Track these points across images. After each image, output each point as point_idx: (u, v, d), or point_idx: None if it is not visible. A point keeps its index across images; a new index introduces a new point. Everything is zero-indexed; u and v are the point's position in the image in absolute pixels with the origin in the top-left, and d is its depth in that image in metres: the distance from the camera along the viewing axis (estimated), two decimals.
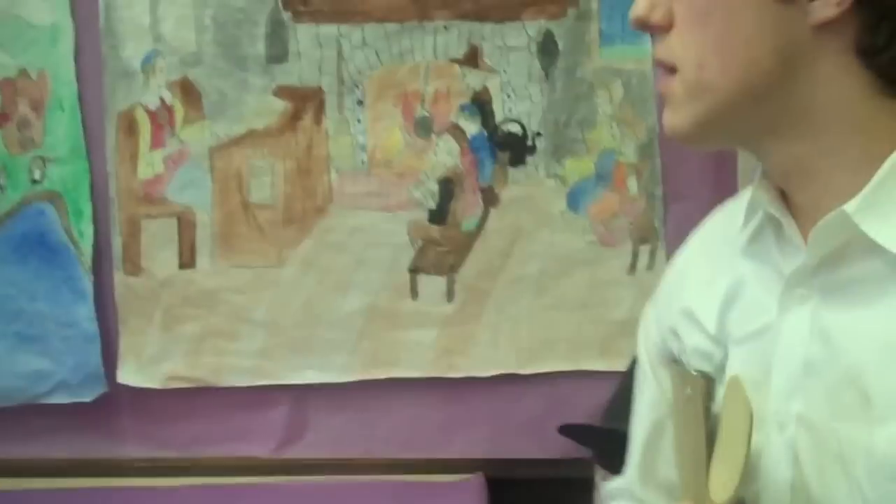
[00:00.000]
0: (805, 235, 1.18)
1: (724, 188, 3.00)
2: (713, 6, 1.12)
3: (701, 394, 1.25)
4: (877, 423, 1.08)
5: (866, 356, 1.09)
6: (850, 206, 1.10)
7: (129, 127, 3.07)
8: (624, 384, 2.93)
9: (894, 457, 1.07)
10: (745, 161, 2.77)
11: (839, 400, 1.12)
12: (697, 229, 1.52)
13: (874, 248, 1.09)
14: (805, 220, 1.18)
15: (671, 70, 1.18)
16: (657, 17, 1.17)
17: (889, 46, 1.09)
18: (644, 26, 1.19)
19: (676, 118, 1.19)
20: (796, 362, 1.16)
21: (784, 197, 1.22)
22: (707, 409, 1.25)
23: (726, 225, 1.35)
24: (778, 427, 1.18)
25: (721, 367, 1.28)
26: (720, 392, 1.26)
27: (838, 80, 1.11)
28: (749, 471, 1.18)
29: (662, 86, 1.20)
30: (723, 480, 1.18)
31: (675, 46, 1.16)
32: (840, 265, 1.14)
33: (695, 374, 1.28)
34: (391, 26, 3.04)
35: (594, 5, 3.03)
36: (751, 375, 1.21)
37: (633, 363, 2.89)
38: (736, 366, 1.26)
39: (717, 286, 1.32)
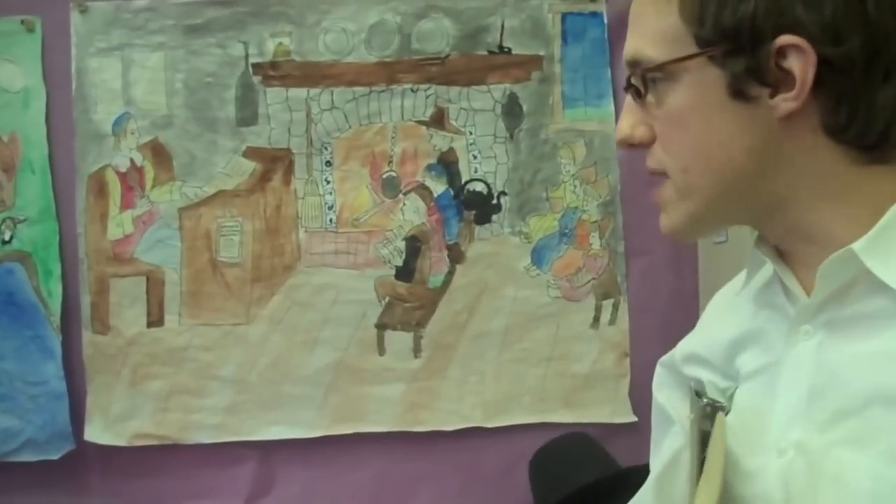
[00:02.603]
0: (804, 284, 1.23)
1: (684, 244, 3.06)
2: (686, 117, 1.19)
3: (715, 424, 1.30)
4: (878, 448, 1.10)
5: (870, 386, 1.12)
6: (857, 245, 1.14)
7: (99, 188, 3.10)
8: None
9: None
10: None
11: (842, 426, 1.15)
12: (721, 291, 1.56)
13: (878, 287, 1.14)
14: (805, 271, 1.23)
15: (661, 176, 1.24)
16: (640, 135, 1.24)
17: (852, 123, 1.15)
18: (629, 145, 1.26)
19: (671, 220, 1.25)
20: (800, 392, 1.20)
21: (780, 252, 1.28)
22: (723, 438, 1.29)
23: (736, 282, 1.41)
24: (777, 453, 1.21)
25: (731, 399, 1.33)
26: (730, 420, 1.31)
27: (815, 158, 1.17)
28: (723, 498, 1.22)
29: (658, 194, 1.26)
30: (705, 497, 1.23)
31: (661, 156, 1.23)
32: (845, 303, 1.18)
33: (708, 404, 1.34)
34: (359, 89, 3.10)
35: (557, 69, 3.10)
36: (756, 405, 1.27)
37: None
38: (743, 397, 1.31)
39: (725, 330, 1.38)
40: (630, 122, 1.25)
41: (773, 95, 1.15)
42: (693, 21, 1.17)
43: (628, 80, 1.26)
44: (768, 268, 1.32)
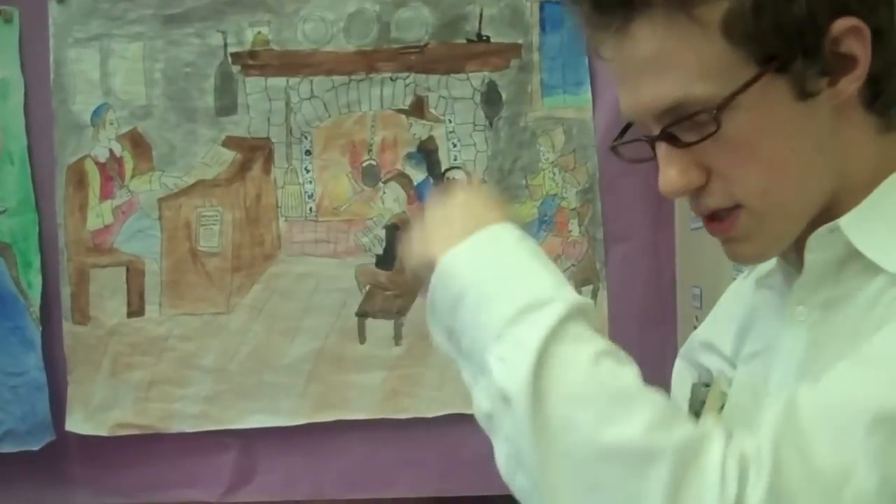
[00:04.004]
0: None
1: (662, 229, 3.08)
2: (756, 141, 1.13)
3: (708, 404, 1.33)
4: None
5: (851, 374, 1.09)
6: (843, 220, 1.14)
7: (78, 179, 3.10)
8: None
9: None
10: (682, 202, 2.83)
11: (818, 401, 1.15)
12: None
13: (867, 265, 1.14)
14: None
15: (732, 210, 1.17)
16: (696, 180, 1.15)
17: (885, 89, 1.15)
18: (685, 193, 1.17)
19: (757, 247, 1.20)
20: (792, 371, 1.20)
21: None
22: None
23: (751, 269, 1.40)
24: None
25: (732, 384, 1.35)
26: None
27: (859, 135, 1.16)
28: None
29: (724, 227, 1.19)
30: None
31: (729, 188, 1.15)
32: (839, 281, 1.17)
33: (705, 387, 1.35)
34: (339, 78, 3.10)
35: (536, 57, 3.10)
36: (753, 386, 1.27)
37: None
38: (741, 379, 1.31)
39: (734, 317, 1.38)
40: (678, 169, 1.15)
41: (833, 83, 1.12)
42: (744, 39, 1.10)
43: (663, 130, 1.15)
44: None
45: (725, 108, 1.10)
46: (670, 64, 1.13)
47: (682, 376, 1.48)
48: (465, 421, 3.06)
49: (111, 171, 3.10)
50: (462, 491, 3.08)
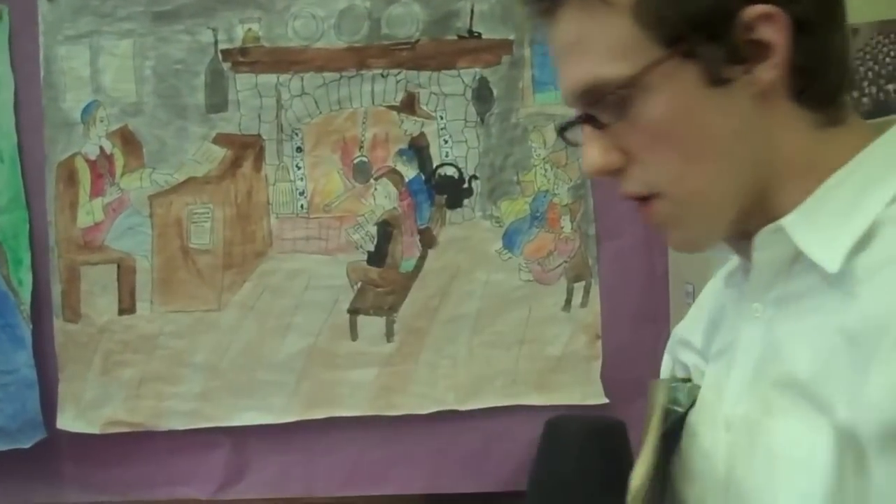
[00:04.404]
0: None
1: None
2: (669, 126, 1.13)
3: (659, 399, 1.30)
4: (812, 421, 1.11)
5: (803, 363, 1.13)
6: (786, 220, 1.14)
7: (69, 176, 3.10)
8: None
9: (826, 451, 1.09)
10: None
11: (777, 400, 1.16)
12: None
13: (811, 262, 1.13)
14: None
15: (650, 197, 1.17)
16: (615, 161, 1.16)
17: (815, 81, 1.14)
18: (606, 174, 1.17)
19: (686, 233, 1.20)
20: (748, 369, 1.21)
21: (746, 233, 1.24)
22: (662, 414, 1.29)
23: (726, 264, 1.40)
24: (725, 428, 1.22)
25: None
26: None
27: (787, 128, 1.15)
28: (655, 464, 1.24)
29: (650, 214, 1.19)
30: (637, 471, 1.24)
31: (646, 173, 1.16)
32: (790, 279, 1.18)
33: (662, 381, 1.35)
34: (329, 75, 3.09)
35: (527, 53, 3.10)
36: (715, 383, 1.27)
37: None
38: (708, 376, 1.31)
39: (704, 313, 1.38)
40: (599, 149, 1.16)
41: (748, 71, 1.12)
42: (653, 22, 1.11)
43: (583, 112, 1.17)
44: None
45: (632, 89, 1.12)
46: (587, 47, 1.15)
47: (667, 371, 1.49)
48: (456, 418, 3.12)
49: (101, 169, 3.10)
50: (453, 488, 3.09)
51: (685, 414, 1.30)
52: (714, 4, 1.10)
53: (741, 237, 1.23)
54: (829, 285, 1.12)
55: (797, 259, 1.16)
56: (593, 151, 1.16)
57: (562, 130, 1.23)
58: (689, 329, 1.42)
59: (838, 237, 1.12)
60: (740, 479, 1.19)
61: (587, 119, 1.16)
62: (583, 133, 1.18)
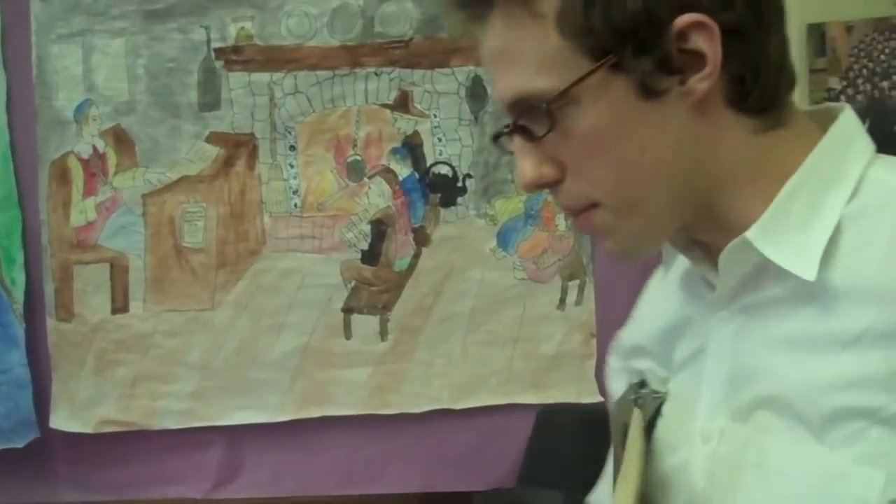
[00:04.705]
0: (717, 269, 1.20)
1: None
2: (601, 136, 1.10)
3: (637, 416, 1.28)
4: (795, 434, 1.10)
5: (781, 371, 1.12)
6: (750, 232, 1.12)
7: (61, 175, 3.09)
8: (533, 443, 2.99)
9: (811, 464, 1.09)
10: None
11: (761, 414, 1.14)
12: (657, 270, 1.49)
13: (780, 271, 1.12)
14: (716, 255, 1.19)
15: (589, 208, 1.15)
16: (549, 174, 1.13)
17: (753, 88, 1.12)
18: (540, 187, 1.15)
19: (620, 242, 1.17)
20: (721, 379, 1.19)
21: (695, 239, 1.23)
22: (643, 430, 1.27)
23: (666, 268, 1.35)
24: (702, 441, 1.20)
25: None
26: (665, 412, 1.29)
27: (726, 136, 1.13)
28: (643, 493, 1.22)
29: (587, 224, 1.17)
30: (621, 500, 1.23)
31: (581, 185, 1.13)
32: (757, 288, 1.16)
33: (631, 398, 1.31)
34: (323, 73, 3.09)
35: None
36: (684, 395, 1.25)
37: (540, 417, 2.97)
38: (676, 387, 1.28)
39: (658, 319, 1.34)
40: (531, 162, 1.13)
41: (682, 82, 1.09)
42: (578, 34, 1.08)
43: (513, 123, 1.13)
44: (679, 260, 1.29)
45: (561, 103, 1.09)
46: (514, 58, 1.12)
47: (618, 377, 1.45)
48: (450, 417, 3.11)
49: (94, 168, 3.09)
50: (448, 487, 3.09)
51: (647, 427, 1.28)
52: (643, 15, 1.07)
53: (692, 245, 1.22)
54: (803, 293, 1.11)
55: (762, 268, 1.14)
56: (525, 165, 1.14)
57: (495, 138, 1.21)
58: (639, 335, 1.39)
59: (807, 244, 1.11)
60: (724, 493, 1.17)
61: (518, 129, 1.13)
62: (514, 145, 1.15)
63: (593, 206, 1.14)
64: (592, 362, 3.11)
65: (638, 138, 1.11)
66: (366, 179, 3.10)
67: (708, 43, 1.08)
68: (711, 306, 1.21)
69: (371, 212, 3.09)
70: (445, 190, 3.10)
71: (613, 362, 1.47)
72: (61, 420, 3.09)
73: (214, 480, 3.14)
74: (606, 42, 1.08)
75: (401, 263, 3.10)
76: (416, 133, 3.10)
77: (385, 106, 3.10)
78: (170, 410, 3.10)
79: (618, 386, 1.43)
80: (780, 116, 1.15)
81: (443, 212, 3.10)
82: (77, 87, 3.09)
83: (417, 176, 3.10)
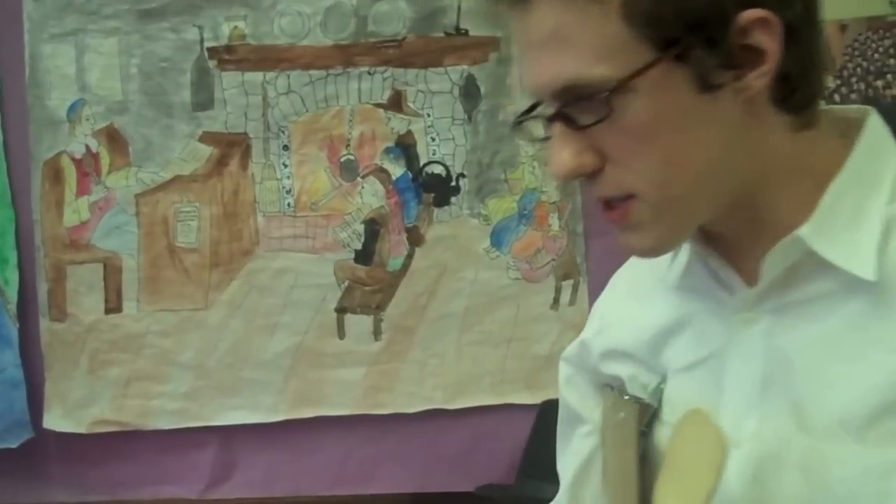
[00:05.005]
0: (741, 271, 1.18)
1: None
2: (654, 129, 1.07)
3: (634, 418, 1.26)
4: (837, 433, 1.09)
5: (837, 373, 1.10)
6: (803, 231, 1.11)
7: (54, 175, 3.09)
8: (534, 438, 2.99)
9: (853, 465, 1.08)
10: None
11: (803, 414, 1.12)
12: (617, 275, 1.45)
13: (825, 268, 1.11)
14: (744, 256, 1.18)
15: (625, 199, 1.11)
16: (589, 164, 1.10)
17: (799, 86, 1.11)
18: (577, 176, 1.12)
19: (649, 240, 1.14)
20: (751, 382, 1.17)
21: (710, 236, 1.21)
22: (639, 434, 1.26)
23: (652, 266, 1.29)
24: (733, 444, 1.17)
25: (656, 394, 1.28)
26: (667, 417, 1.27)
27: (768, 133, 1.12)
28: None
29: (617, 216, 1.13)
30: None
31: (623, 176, 1.10)
32: (790, 287, 1.14)
33: (628, 398, 1.28)
34: (316, 73, 3.08)
35: (515, 50, 3.08)
36: (695, 399, 1.22)
37: (539, 412, 2.97)
38: (682, 393, 1.25)
39: (644, 320, 1.31)
40: (572, 151, 1.09)
41: (739, 77, 1.07)
42: (645, 23, 1.05)
43: (559, 110, 1.09)
44: (684, 251, 1.24)
45: (619, 93, 1.06)
46: (568, 42, 1.07)
47: (576, 384, 1.43)
48: (444, 417, 3.11)
49: (87, 167, 3.09)
50: (441, 487, 3.08)
51: (644, 431, 1.26)
52: (711, 6, 1.05)
53: (708, 241, 1.20)
54: (849, 292, 1.10)
55: (798, 267, 1.13)
56: (565, 153, 1.10)
57: (517, 123, 1.19)
58: (615, 339, 1.35)
59: (858, 244, 1.10)
60: (766, 496, 1.16)
61: (561, 117, 1.10)
62: (553, 132, 1.11)
63: (630, 197, 1.11)
64: None
65: (690, 134, 1.08)
66: (359, 179, 3.10)
67: (770, 40, 1.06)
68: (730, 307, 1.19)
69: (364, 211, 3.09)
70: (439, 189, 3.10)
71: (566, 370, 1.44)
72: (55, 420, 3.09)
73: (208, 480, 3.13)
74: (673, 32, 1.05)
75: (394, 263, 3.09)
76: (409, 132, 3.10)
77: (378, 105, 3.10)
78: (163, 410, 3.10)
79: (574, 395, 1.42)
80: (814, 115, 1.14)
81: (436, 211, 3.10)
82: (70, 86, 3.09)
83: (411, 175, 3.10)
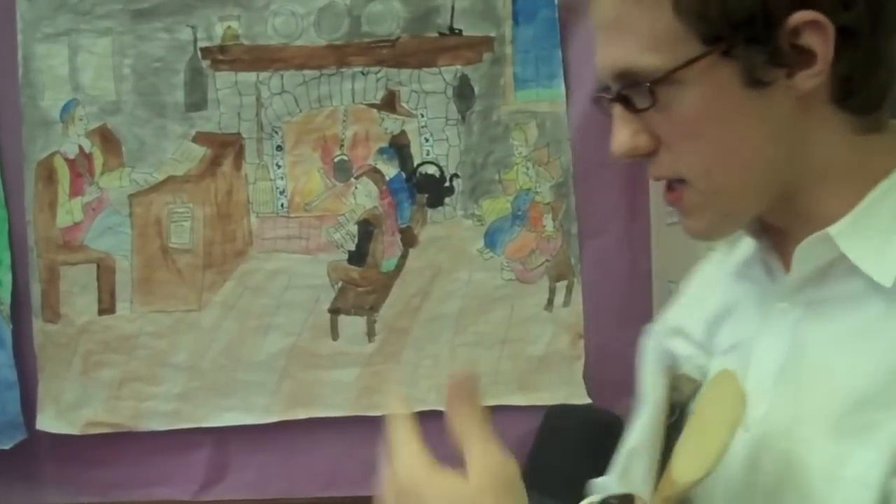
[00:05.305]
0: (783, 258, 1.20)
1: (637, 223, 3.07)
2: (701, 123, 1.12)
3: (682, 395, 1.28)
4: (833, 432, 1.10)
5: (836, 368, 1.12)
6: (833, 229, 1.12)
7: (48, 175, 3.08)
8: (538, 445, 2.98)
9: (842, 466, 1.09)
10: (657, 196, 2.83)
11: (807, 407, 1.14)
12: (709, 257, 1.48)
13: (854, 269, 1.12)
14: (787, 244, 1.20)
15: (678, 182, 1.17)
16: (644, 146, 1.15)
17: (861, 88, 1.12)
18: (633, 157, 1.17)
19: (701, 224, 1.19)
20: (771, 369, 1.19)
21: (766, 226, 1.23)
22: (679, 409, 1.27)
23: (724, 253, 1.37)
24: (743, 428, 1.16)
25: (704, 373, 1.29)
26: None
27: (825, 132, 1.13)
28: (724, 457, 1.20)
29: (673, 198, 1.18)
30: (692, 462, 1.18)
31: (674, 162, 1.15)
32: (823, 284, 1.16)
33: (681, 374, 1.29)
34: (309, 73, 3.08)
35: (508, 50, 3.09)
36: None
37: (544, 419, 2.96)
38: (718, 371, 1.26)
39: (707, 303, 1.34)
40: (629, 132, 1.15)
41: (790, 75, 1.09)
42: (694, 18, 1.09)
43: (617, 93, 1.15)
44: (745, 246, 1.29)
45: (666, 83, 1.10)
46: (626, 30, 1.13)
47: (647, 356, 1.45)
48: (438, 418, 3.07)
49: (81, 168, 3.08)
50: None
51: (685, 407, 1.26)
52: (759, 7, 1.07)
53: (763, 231, 1.22)
54: (871, 297, 1.11)
55: (834, 266, 1.14)
56: (623, 133, 1.16)
57: (595, 100, 1.22)
58: (683, 317, 1.39)
59: (888, 250, 1.11)
60: (766, 484, 1.17)
61: (620, 99, 1.15)
62: (613, 112, 1.17)
63: (682, 181, 1.16)
64: (580, 364, 3.10)
65: (738, 127, 1.11)
66: (352, 180, 3.09)
67: (821, 42, 1.07)
68: (772, 295, 1.21)
69: (358, 212, 3.09)
70: (432, 190, 3.09)
71: (649, 342, 1.46)
72: (48, 421, 3.08)
73: (201, 482, 3.13)
74: (720, 28, 1.08)
75: (388, 264, 3.09)
76: (402, 133, 3.09)
77: (372, 106, 3.09)
78: (157, 412, 3.10)
79: (649, 367, 1.43)
80: (880, 120, 1.15)
81: (430, 212, 3.09)
82: (63, 86, 3.08)
83: (404, 176, 3.10)
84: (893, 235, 1.11)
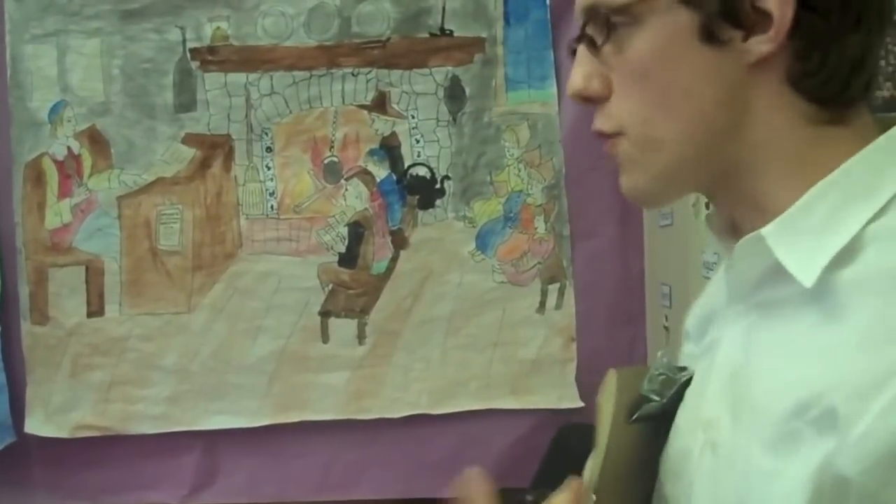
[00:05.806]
0: None
1: (630, 225, 3.06)
2: (649, 65, 1.11)
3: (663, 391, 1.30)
4: (768, 445, 1.07)
5: (775, 378, 1.09)
6: (766, 229, 1.10)
7: (36, 177, 3.06)
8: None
9: (773, 474, 1.06)
10: None
11: (740, 411, 1.13)
12: None
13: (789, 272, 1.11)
14: None
15: (616, 136, 1.16)
16: (595, 88, 1.16)
17: (819, 71, 1.09)
18: (583, 98, 1.17)
19: (632, 179, 1.17)
20: (727, 372, 1.18)
21: (734, 224, 1.22)
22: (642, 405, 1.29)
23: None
24: (703, 430, 1.19)
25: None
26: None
27: (775, 111, 1.11)
28: (607, 456, 1.23)
29: (612, 150, 1.17)
30: (591, 466, 1.24)
31: (618, 112, 1.15)
32: (771, 287, 1.14)
33: (658, 374, 1.31)
34: (299, 74, 3.07)
35: (500, 51, 3.08)
36: (700, 381, 1.24)
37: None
38: (696, 374, 1.28)
39: (703, 304, 1.36)
40: (584, 72, 1.16)
41: (746, 38, 1.08)
42: None
43: (582, 29, 1.16)
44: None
45: (623, 16, 1.11)
46: None
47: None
48: (429, 421, 3.10)
49: (69, 169, 3.07)
50: (427, 492, 3.05)
51: (666, 406, 1.27)
52: None
53: (731, 232, 1.20)
54: (808, 299, 1.08)
55: (779, 267, 1.11)
56: (577, 72, 1.17)
57: (570, 51, 1.22)
58: (691, 317, 1.40)
59: (816, 251, 1.08)
60: (711, 482, 1.17)
61: (584, 37, 1.16)
62: (577, 51, 1.18)
63: (619, 135, 1.15)
64: (573, 366, 3.09)
65: (684, 79, 1.11)
66: (343, 181, 3.08)
67: (778, 6, 1.06)
68: (729, 299, 1.21)
69: (348, 214, 3.07)
70: (423, 192, 3.08)
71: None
72: (36, 425, 3.07)
73: (191, 486, 3.11)
74: None
75: (378, 266, 3.07)
76: (393, 134, 3.08)
77: (362, 107, 3.08)
78: (146, 415, 3.08)
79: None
80: (844, 115, 1.12)
81: (421, 214, 3.08)
82: (52, 87, 3.07)
83: (395, 178, 3.08)
84: (824, 236, 1.08)
